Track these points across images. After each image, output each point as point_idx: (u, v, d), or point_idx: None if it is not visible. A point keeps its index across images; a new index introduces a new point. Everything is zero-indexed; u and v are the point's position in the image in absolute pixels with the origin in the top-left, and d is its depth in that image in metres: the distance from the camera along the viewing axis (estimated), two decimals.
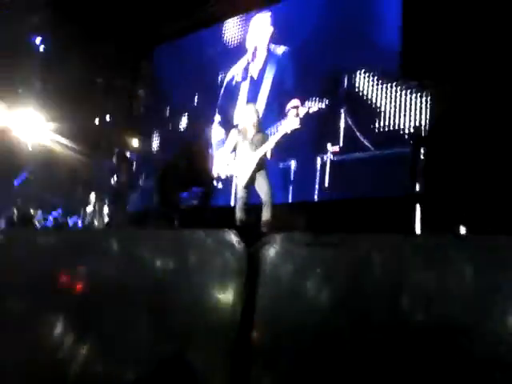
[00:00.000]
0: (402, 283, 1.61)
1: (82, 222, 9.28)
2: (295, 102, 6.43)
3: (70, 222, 9.50)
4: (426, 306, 1.51)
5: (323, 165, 6.05)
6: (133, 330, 2.48)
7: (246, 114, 5.09)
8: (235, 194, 5.27)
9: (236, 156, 4.99)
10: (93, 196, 9.35)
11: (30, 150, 10.00)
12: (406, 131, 5.36)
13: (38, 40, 10.10)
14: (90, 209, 9.40)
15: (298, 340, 1.79)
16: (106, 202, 9.12)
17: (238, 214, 4.91)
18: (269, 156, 4.87)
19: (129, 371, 2.45)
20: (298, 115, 5.29)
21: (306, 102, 6.32)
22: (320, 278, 1.79)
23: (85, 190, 9.44)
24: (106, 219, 8.99)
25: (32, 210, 9.48)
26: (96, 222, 9.10)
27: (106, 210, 9.14)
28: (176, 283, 2.28)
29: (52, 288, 3.21)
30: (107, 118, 10.31)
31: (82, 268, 3.11)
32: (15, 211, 9.33)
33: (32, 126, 9.98)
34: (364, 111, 5.81)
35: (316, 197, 6.19)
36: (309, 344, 1.78)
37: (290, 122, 4.94)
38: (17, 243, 4.24)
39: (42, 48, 10.11)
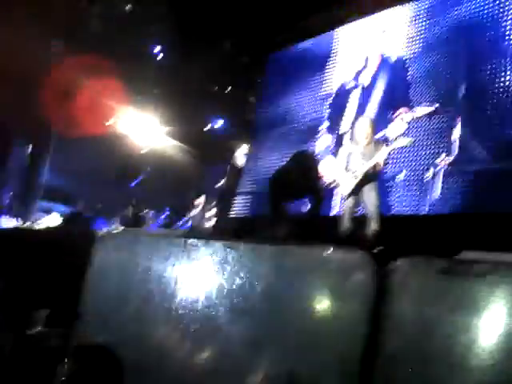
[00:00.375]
0: None
1: (190, 223, 9.64)
2: (402, 110, 6.31)
3: (179, 222, 9.94)
4: None
5: (435, 176, 5.87)
6: (243, 342, 2.47)
7: (360, 125, 5.10)
8: (342, 203, 5.28)
9: (347, 166, 5.02)
10: (201, 199, 9.69)
11: (147, 153, 10.61)
12: None
13: (156, 49, 10.69)
14: (197, 211, 9.74)
15: (423, 369, 1.71)
16: (214, 205, 9.42)
17: (345, 224, 4.91)
18: (380, 167, 4.85)
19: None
20: (403, 120, 5.21)
21: (416, 108, 6.17)
22: (450, 308, 1.70)
23: (194, 193, 9.80)
24: (212, 223, 9.27)
25: (145, 211, 10.04)
26: (202, 225, 9.41)
27: (212, 213, 9.43)
28: (300, 299, 2.23)
29: (160, 286, 3.34)
30: (220, 123, 10.71)
31: (193, 271, 3.20)
32: (129, 211, 9.92)
33: (149, 131, 10.59)
34: (483, 123, 5.58)
35: (426, 207, 6.02)
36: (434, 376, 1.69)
37: (397, 127, 4.91)
38: (125, 243, 4.46)
39: (160, 56, 10.69)
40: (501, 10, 6.01)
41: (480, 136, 5.72)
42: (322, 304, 2.26)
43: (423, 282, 1.90)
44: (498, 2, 6.06)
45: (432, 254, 2.02)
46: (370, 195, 4.85)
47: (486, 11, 6.19)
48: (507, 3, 5.95)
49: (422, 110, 5.33)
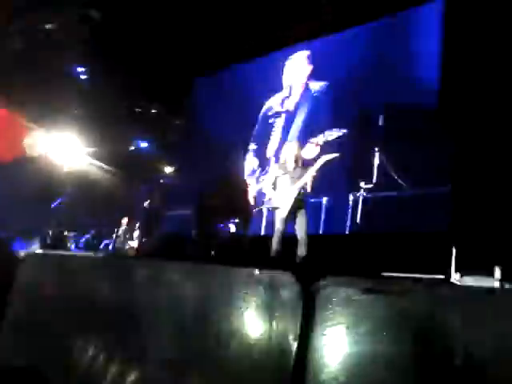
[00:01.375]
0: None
1: (113, 245, 9.44)
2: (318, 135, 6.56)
3: (102, 244, 9.69)
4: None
5: (355, 201, 6.16)
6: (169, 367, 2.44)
7: (289, 149, 5.29)
8: (268, 225, 5.40)
9: (276, 189, 5.16)
10: (125, 220, 9.54)
11: (67, 173, 10.29)
12: (443, 171, 5.42)
13: (78, 69, 10.47)
14: (120, 232, 9.56)
15: None
16: (138, 226, 9.29)
17: (275, 246, 5.04)
18: (309, 189, 5.02)
19: None
20: (317, 144, 5.45)
21: (326, 132, 6.45)
22: (375, 327, 1.78)
23: (118, 214, 9.64)
24: (136, 243, 9.13)
25: (66, 232, 9.70)
26: (126, 246, 9.24)
27: (136, 234, 9.30)
28: (225, 320, 2.24)
29: (80, 308, 3.29)
30: (143, 144, 10.62)
31: (112, 291, 3.16)
32: (49, 232, 9.55)
33: (70, 151, 10.29)
34: (399, 149, 5.93)
35: (347, 231, 6.28)
36: None
37: (311, 151, 5.12)
38: (47, 265, 4.33)
39: (82, 77, 10.48)
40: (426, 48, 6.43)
41: (396, 164, 6.07)
42: (251, 324, 2.26)
43: (347, 301, 1.95)
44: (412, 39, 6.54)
45: (354, 273, 2.10)
46: (299, 219, 5.02)
47: (403, 45, 6.63)
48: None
49: (332, 134, 5.59)
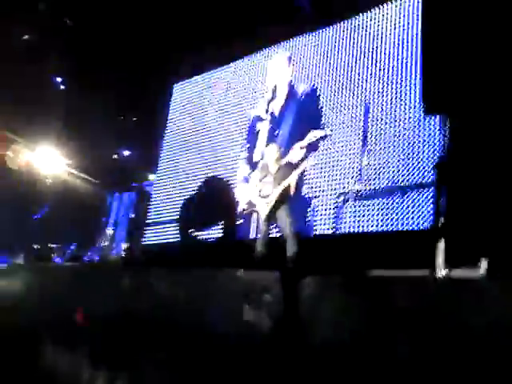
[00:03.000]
0: None
1: (98, 256, 9.32)
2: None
3: (86, 256, 9.57)
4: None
5: (345, 200, 6.13)
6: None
7: (269, 152, 5.30)
8: (257, 228, 5.36)
9: (260, 192, 5.15)
10: (109, 230, 9.43)
11: (50, 185, 10.17)
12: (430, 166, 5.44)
13: (59, 79, 10.37)
14: (106, 243, 9.46)
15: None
16: (122, 235, 9.18)
17: (259, 248, 4.97)
18: (292, 190, 4.99)
19: None
20: (302, 147, 5.45)
21: (310, 133, 6.44)
22: (356, 324, 1.79)
23: (102, 224, 9.53)
24: (122, 254, 9.02)
25: (50, 244, 9.57)
26: (111, 257, 9.13)
27: (121, 243, 9.19)
28: (212, 320, 2.24)
29: (69, 319, 3.24)
30: (126, 153, 10.51)
31: (98, 302, 3.14)
32: (34, 245, 9.44)
33: (51, 162, 10.17)
34: (387, 146, 5.95)
35: (336, 231, 6.23)
36: None
37: (296, 154, 5.14)
38: (37, 277, 4.32)
39: (63, 87, 10.38)
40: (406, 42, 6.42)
41: (384, 164, 6.06)
42: (234, 319, 2.34)
43: (327, 298, 2.05)
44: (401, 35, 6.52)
45: (342, 270, 2.12)
46: (282, 217, 4.96)
47: (390, 42, 6.61)
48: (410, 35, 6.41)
49: (314, 134, 5.56)
